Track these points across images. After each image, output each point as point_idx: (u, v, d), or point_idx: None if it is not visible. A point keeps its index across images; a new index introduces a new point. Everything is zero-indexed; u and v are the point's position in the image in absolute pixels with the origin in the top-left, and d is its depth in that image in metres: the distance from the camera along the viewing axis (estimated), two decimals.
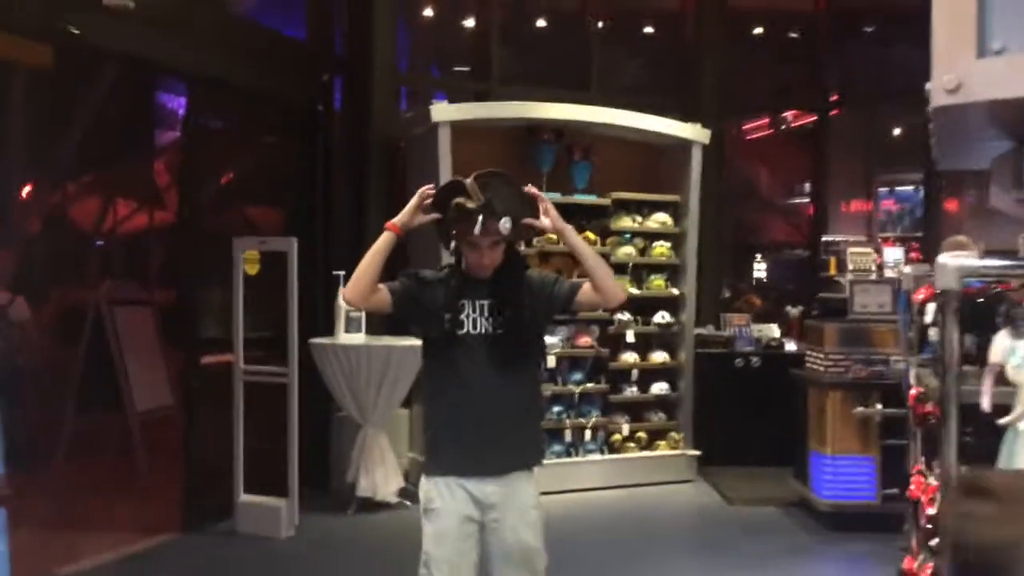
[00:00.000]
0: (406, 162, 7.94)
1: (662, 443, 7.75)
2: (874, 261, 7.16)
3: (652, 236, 7.86)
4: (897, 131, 11.42)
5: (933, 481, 3.20)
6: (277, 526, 6.11)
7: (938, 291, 2.40)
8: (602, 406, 7.63)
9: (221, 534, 6.21)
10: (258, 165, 8.01)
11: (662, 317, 7.80)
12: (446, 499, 3.11)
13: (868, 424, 6.10)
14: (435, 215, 3.07)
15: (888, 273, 6.83)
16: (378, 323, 6.72)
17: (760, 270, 12.44)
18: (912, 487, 3.36)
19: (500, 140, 7.41)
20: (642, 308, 7.76)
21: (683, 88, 9.49)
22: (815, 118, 10.33)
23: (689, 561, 6.03)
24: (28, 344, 7.58)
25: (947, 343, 2.30)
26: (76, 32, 5.30)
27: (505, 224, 2.97)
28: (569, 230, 3.15)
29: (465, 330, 3.10)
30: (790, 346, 8.15)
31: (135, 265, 10.68)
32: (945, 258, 2.42)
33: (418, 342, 3.35)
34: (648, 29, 10.08)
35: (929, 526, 2.98)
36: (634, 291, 7.49)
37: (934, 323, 2.93)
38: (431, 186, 3.15)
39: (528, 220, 3.09)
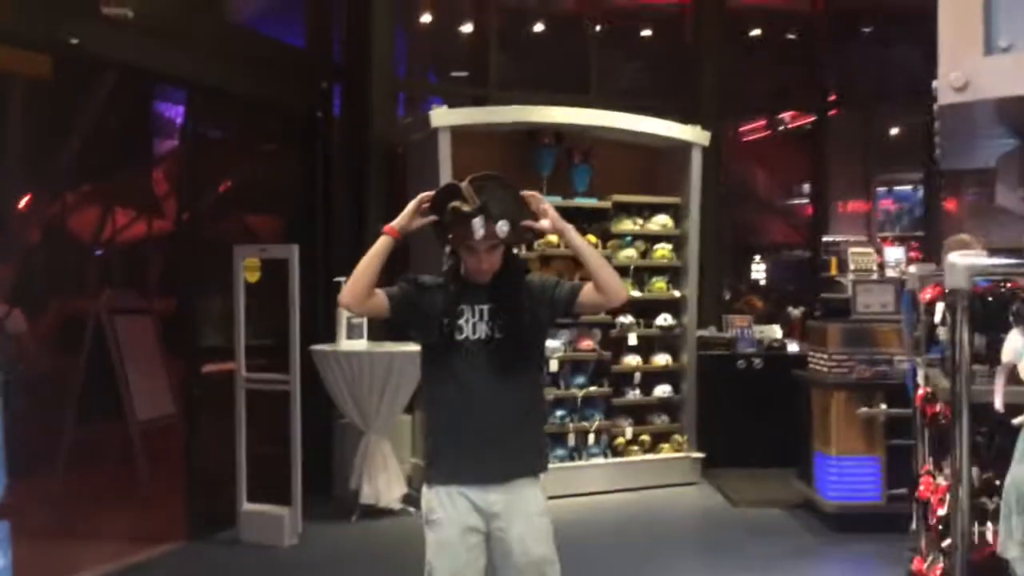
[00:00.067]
0: (406, 168, 7.93)
1: (666, 446, 7.73)
2: (875, 261, 7.14)
3: (653, 239, 7.85)
4: (896, 131, 11.41)
5: (942, 481, 3.18)
6: (280, 534, 6.08)
7: (948, 290, 2.40)
8: (605, 409, 7.61)
9: (224, 543, 6.19)
10: (258, 173, 8.00)
11: (664, 319, 7.79)
12: (447, 509, 3.07)
13: (872, 424, 6.08)
14: (432, 217, 3.04)
15: (890, 273, 6.81)
16: (380, 329, 6.70)
17: (759, 271, 12.43)
18: (921, 488, 3.34)
19: (500, 144, 7.40)
20: (644, 311, 7.75)
21: (682, 90, 9.49)
22: (812, 119, 10.33)
23: (694, 564, 6.01)
24: (25, 356, 7.55)
25: (958, 343, 2.30)
26: (75, 42, 5.29)
27: (503, 227, 2.94)
28: (570, 229, 3.09)
29: (464, 335, 3.06)
30: (792, 347, 8.13)
31: (135, 274, 10.66)
32: (955, 257, 2.41)
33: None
34: (646, 31, 10.08)
35: (940, 527, 2.96)
36: (636, 294, 7.48)
37: (942, 322, 2.92)
38: (431, 193, 3.12)
39: (527, 222, 3.06)
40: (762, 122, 11.93)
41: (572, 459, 7.40)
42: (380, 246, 3.05)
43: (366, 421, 6.61)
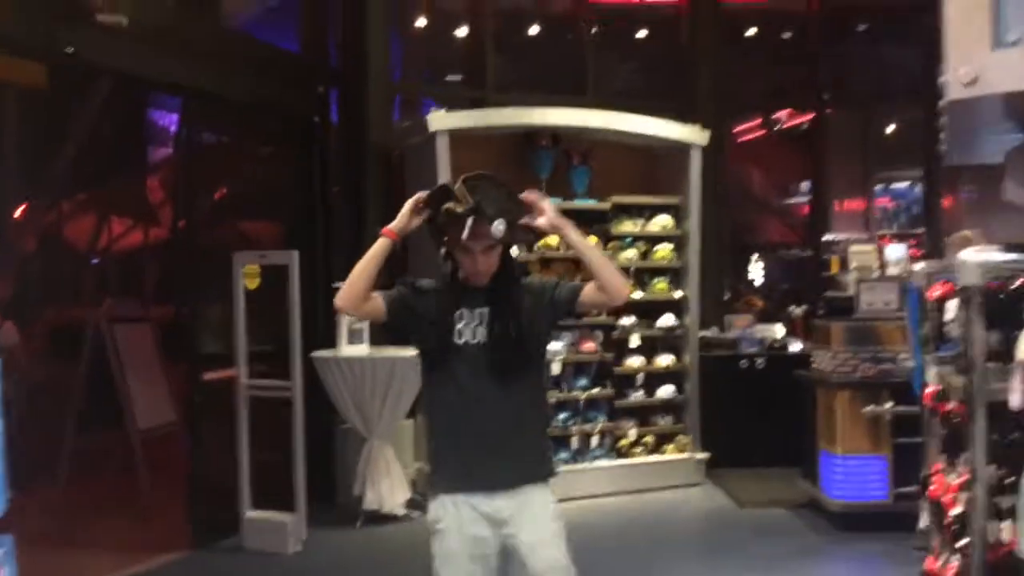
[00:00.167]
0: (404, 171, 7.90)
1: (669, 447, 7.70)
2: (876, 259, 7.12)
3: (654, 239, 7.83)
4: (893, 128, 11.43)
5: (954, 480, 3.16)
6: (284, 541, 6.05)
7: (960, 287, 2.38)
8: (608, 411, 7.59)
9: (228, 551, 6.15)
10: (255, 178, 7.97)
11: (667, 320, 7.76)
12: (452, 518, 3.01)
13: (878, 423, 6.05)
14: (428, 213, 3.00)
15: (892, 271, 6.79)
16: (381, 334, 6.67)
17: (757, 271, 12.43)
18: (933, 486, 3.32)
19: (498, 147, 7.38)
20: (646, 312, 7.73)
21: (678, 91, 9.47)
22: (808, 118, 10.32)
23: (700, 566, 5.98)
24: (17, 368, 7.50)
25: (973, 340, 2.28)
26: (70, 50, 5.25)
27: (498, 226, 2.88)
28: (569, 226, 3.03)
29: (463, 340, 3.01)
30: (794, 347, 8.11)
31: (133, 282, 10.64)
32: (967, 254, 2.39)
33: None
34: (642, 32, 10.07)
35: (955, 526, 2.93)
36: (637, 295, 7.46)
37: (954, 319, 2.90)
38: (427, 192, 3.08)
39: (525, 220, 3.01)
40: (756, 122, 11.94)
41: (575, 461, 7.36)
42: (378, 248, 3.00)
43: (368, 427, 6.58)
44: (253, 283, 6.25)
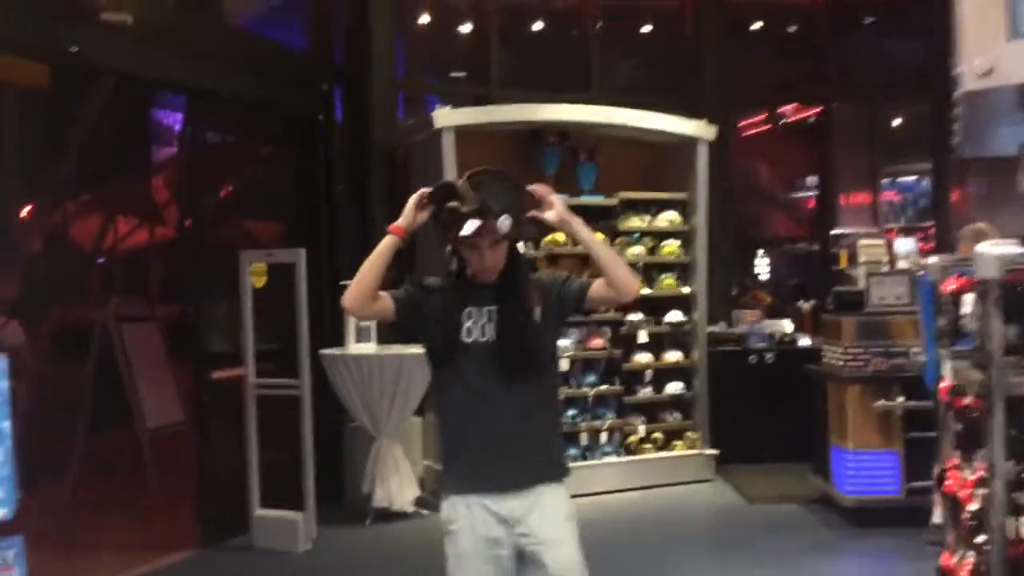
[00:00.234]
0: (409, 169, 7.88)
1: (679, 443, 7.68)
2: (886, 253, 7.08)
3: (661, 235, 7.80)
4: (899, 121, 11.37)
5: (971, 475, 3.13)
6: (294, 540, 6.04)
7: (978, 280, 2.35)
8: (617, 408, 7.57)
9: (238, 549, 6.15)
10: (259, 177, 7.96)
11: (675, 316, 7.74)
12: (466, 519, 2.98)
13: (890, 417, 6.02)
14: (432, 209, 2.96)
15: (901, 264, 6.75)
16: (389, 332, 6.65)
17: (764, 265, 12.38)
18: (949, 482, 3.29)
19: (503, 144, 7.35)
20: (654, 308, 7.70)
21: (683, 85, 9.43)
22: (814, 112, 10.27)
23: (711, 562, 5.96)
24: (23, 369, 7.50)
25: (991, 334, 2.25)
26: (74, 50, 5.23)
27: (504, 222, 2.84)
28: (577, 222, 3.00)
29: (472, 338, 2.97)
30: (803, 341, 8.08)
31: (139, 282, 10.64)
32: (985, 247, 2.36)
33: None
34: (647, 27, 10.02)
35: (972, 522, 2.91)
36: (645, 291, 7.43)
37: (970, 313, 2.87)
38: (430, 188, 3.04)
39: (533, 213, 2.96)
40: (761, 116, 11.89)
41: (585, 458, 7.35)
42: (385, 246, 2.95)
43: (377, 425, 6.57)
44: (260, 281, 6.24)
